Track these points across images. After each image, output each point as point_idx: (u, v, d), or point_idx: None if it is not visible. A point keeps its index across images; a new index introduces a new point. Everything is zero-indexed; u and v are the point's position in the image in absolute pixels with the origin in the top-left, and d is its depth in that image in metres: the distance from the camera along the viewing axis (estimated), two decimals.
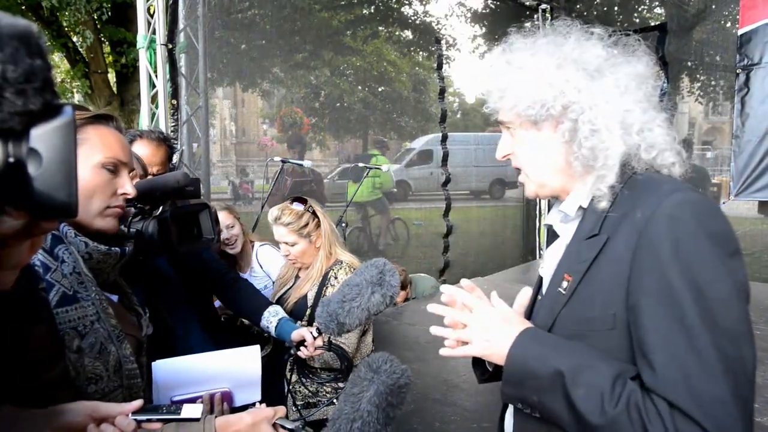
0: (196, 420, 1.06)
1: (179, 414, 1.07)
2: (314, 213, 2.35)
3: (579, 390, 0.88)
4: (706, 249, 0.86)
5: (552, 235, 1.16)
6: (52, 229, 0.60)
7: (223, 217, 2.82)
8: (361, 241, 8.74)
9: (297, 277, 2.48)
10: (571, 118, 0.99)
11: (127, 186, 1.27)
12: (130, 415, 1.00)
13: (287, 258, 2.43)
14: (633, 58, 1.02)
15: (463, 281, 1.13)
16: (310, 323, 2.19)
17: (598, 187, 0.98)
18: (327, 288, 2.29)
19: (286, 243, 2.34)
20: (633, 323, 0.90)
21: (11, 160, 0.46)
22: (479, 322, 1.04)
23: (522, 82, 1.01)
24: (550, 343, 0.97)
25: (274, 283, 2.89)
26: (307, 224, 2.32)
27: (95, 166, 1.20)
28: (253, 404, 1.51)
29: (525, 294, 1.20)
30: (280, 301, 2.35)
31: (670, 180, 0.98)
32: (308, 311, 2.28)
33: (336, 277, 2.29)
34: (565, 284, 1.01)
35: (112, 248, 1.27)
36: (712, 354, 0.82)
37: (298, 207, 2.34)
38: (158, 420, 1.05)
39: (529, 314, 1.18)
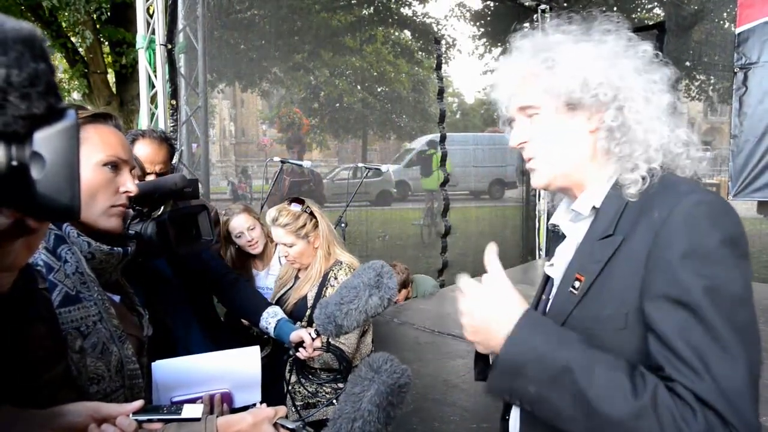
0: (197, 420, 1.07)
1: (180, 414, 1.07)
2: (311, 214, 2.36)
3: (595, 381, 0.85)
4: (721, 249, 0.87)
5: (555, 236, 1.16)
6: (42, 229, 0.59)
7: (243, 220, 2.82)
8: (433, 226, 9.70)
9: (297, 277, 2.48)
10: (617, 106, 1.00)
11: (128, 183, 1.27)
12: (131, 415, 1.01)
13: (286, 259, 2.43)
14: (664, 64, 1.05)
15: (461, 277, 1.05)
16: (310, 324, 2.20)
17: (631, 171, 1.00)
18: (327, 289, 2.29)
19: (285, 244, 2.35)
20: (649, 321, 0.90)
21: (14, 163, 0.46)
22: (469, 311, 0.99)
23: (570, 63, 1.01)
24: (553, 331, 0.93)
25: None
26: (304, 225, 2.32)
27: (96, 165, 1.21)
28: (254, 405, 1.51)
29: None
30: (279, 302, 2.36)
31: (687, 181, 1.00)
32: (308, 312, 2.29)
33: (336, 278, 2.30)
34: (577, 284, 1.01)
35: (115, 248, 1.27)
36: (734, 347, 0.83)
37: (295, 208, 2.34)
38: (159, 420, 1.05)
39: None
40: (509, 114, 1.12)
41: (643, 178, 0.99)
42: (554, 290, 1.12)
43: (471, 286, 1.00)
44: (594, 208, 1.05)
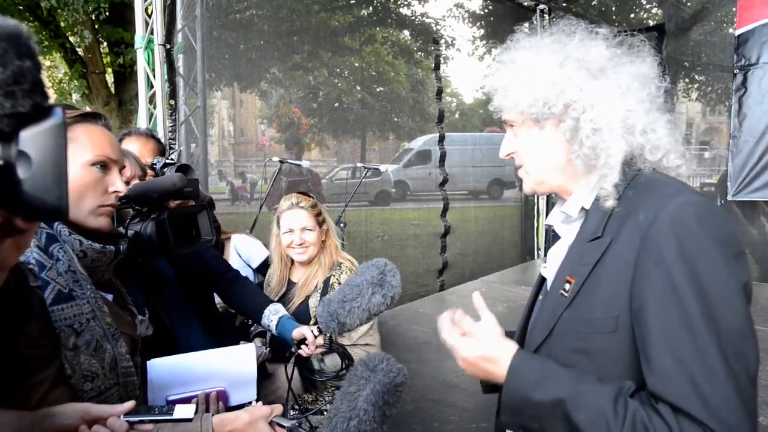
0: (189, 420, 1.06)
1: (171, 414, 1.07)
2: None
3: (581, 414, 0.88)
4: (710, 251, 0.86)
5: (553, 236, 1.16)
6: (31, 229, 0.59)
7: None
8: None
9: (290, 281, 2.44)
10: (572, 116, 0.99)
11: (117, 183, 1.27)
12: (122, 416, 1.00)
13: (299, 246, 2.32)
14: (637, 58, 1.02)
15: (475, 296, 1.13)
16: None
17: (602, 186, 0.99)
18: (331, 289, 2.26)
19: (305, 228, 2.30)
20: (637, 325, 0.90)
21: (0, 162, 0.46)
22: (466, 362, 1.06)
23: (525, 80, 1.02)
24: (543, 368, 0.96)
25: (254, 271, 2.82)
26: (320, 213, 2.34)
27: (85, 165, 1.21)
28: (249, 403, 1.51)
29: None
30: (284, 302, 2.32)
31: (672, 182, 0.98)
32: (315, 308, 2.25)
33: (338, 282, 2.28)
34: (567, 286, 1.01)
35: (107, 246, 1.27)
36: (716, 355, 0.82)
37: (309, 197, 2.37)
38: (150, 421, 1.05)
39: (528, 315, 1.19)
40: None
41: (617, 186, 0.98)
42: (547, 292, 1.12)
43: (465, 343, 1.06)
44: (583, 209, 1.05)
